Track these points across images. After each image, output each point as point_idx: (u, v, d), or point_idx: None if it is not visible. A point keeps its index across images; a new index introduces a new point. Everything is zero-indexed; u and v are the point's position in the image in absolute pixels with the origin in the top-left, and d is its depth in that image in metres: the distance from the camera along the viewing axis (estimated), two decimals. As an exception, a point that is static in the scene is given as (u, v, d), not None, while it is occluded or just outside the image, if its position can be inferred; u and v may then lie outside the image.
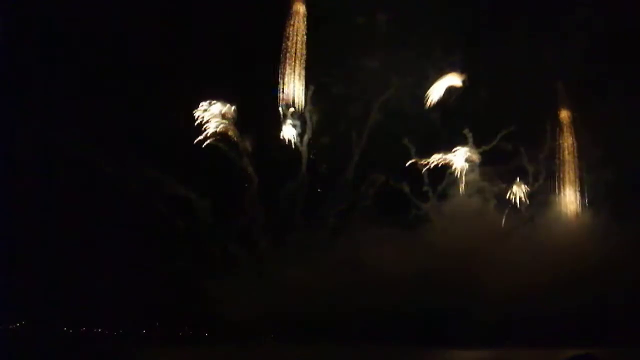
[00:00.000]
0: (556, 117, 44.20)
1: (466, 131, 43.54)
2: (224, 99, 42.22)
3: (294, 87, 43.23)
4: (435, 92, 43.36)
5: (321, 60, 42.77)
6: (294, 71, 43.23)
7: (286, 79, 43.13)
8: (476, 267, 40.54)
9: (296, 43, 43.26)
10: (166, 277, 40.50)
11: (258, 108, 42.77)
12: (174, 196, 41.43)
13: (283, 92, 43.11)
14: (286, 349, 39.86)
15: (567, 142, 44.00)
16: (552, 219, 43.43)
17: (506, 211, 43.71)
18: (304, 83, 43.33)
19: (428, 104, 43.38)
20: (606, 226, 41.03)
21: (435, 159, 44.07)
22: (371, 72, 42.26)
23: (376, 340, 39.80)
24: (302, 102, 43.30)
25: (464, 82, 42.91)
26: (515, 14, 40.96)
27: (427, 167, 43.85)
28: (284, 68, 43.15)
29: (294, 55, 43.19)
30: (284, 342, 42.14)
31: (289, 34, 43.28)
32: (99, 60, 40.33)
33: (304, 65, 43.33)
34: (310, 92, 43.05)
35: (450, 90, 43.28)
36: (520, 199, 43.64)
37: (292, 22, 43.49)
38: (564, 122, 44.13)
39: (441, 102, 43.35)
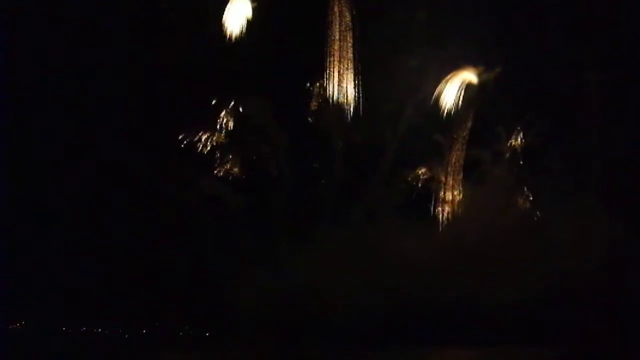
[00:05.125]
0: (584, 114, 42.09)
1: (499, 128, 43.18)
2: (261, 92, 41.14)
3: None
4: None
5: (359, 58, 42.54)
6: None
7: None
8: (496, 266, 39.50)
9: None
10: (171, 275, 40.07)
11: (296, 101, 42.22)
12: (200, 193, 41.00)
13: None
14: (295, 349, 38.79)
15: (593, 138, 41.84)
16: (574, 218, 40.69)
17: (531, 209, 43.25)
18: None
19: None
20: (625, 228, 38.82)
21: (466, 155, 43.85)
22: (407, 70, 41.54)
23: (392, 340, 38.84)
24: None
25: (495, 79, 42.19)
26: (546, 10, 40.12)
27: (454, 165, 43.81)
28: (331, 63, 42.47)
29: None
30: (291, 341, 41.30)
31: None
32: (135, 60, 39.92)
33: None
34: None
35: (481, 88, 42.87)
36: (545, 196, 42.42)
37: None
38: (591, 119, 41.97)
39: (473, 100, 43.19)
